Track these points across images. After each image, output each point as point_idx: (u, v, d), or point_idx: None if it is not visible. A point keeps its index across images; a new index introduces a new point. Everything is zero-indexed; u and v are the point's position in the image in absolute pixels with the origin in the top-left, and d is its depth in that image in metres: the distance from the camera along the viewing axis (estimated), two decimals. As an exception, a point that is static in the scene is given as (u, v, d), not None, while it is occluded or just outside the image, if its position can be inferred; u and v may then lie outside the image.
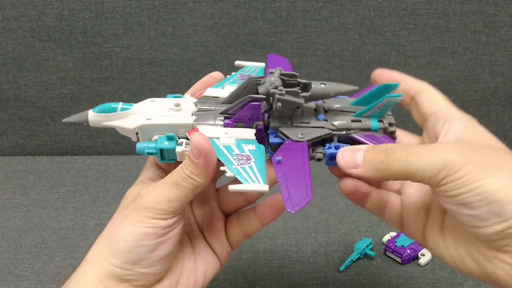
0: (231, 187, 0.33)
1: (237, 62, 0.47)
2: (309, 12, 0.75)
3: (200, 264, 0.40)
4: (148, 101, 0.40)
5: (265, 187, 0.33)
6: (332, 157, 0.38)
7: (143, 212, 0.35)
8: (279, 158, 0.36)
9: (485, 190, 0.31)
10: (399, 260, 0.57)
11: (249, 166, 0.35)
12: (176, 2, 0.73)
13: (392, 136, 0.41)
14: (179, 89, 0.80)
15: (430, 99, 0.40)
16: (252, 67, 0.47)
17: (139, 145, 0.38)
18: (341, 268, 0.57)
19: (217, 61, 0.78)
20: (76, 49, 0.76)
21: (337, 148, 0.38)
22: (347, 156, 0.36)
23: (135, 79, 0.79)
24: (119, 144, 0.85)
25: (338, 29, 0.76)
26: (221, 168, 0.35)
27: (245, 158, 0.35)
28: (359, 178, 0.37)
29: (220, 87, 0.43)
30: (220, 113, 0.39)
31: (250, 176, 0.34)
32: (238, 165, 0.35)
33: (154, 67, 0.78)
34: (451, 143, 0.35)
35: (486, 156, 0.33)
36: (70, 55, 0.77)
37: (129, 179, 0.76)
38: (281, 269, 0.58)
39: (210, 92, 0.42)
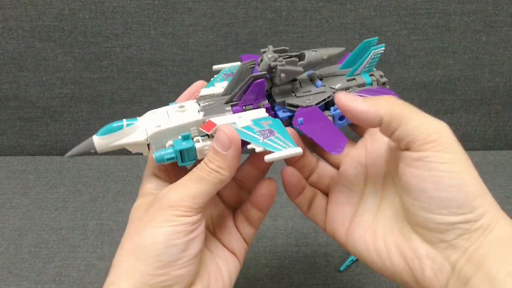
0: (268, 157, 0.33)
1: (215, 66, 0.48)
2: (309, 11, 0.75)
3: (223, 266, 0.39)
4: (150, 112, 0.39)
5: (299, 149, 0.33)
6: (341, 117, 0.40)
7: (168, 211, 0.33)
8: (301, 119, 0.38)
9: (462, 178, 0.31)
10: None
11: (275, 137, 0.35)
12: (176, 2, 0.73)
13: (384, 87, 0.44)
14: (179, 89, 0.80)
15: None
16: (231, 67, 0.47)
17: (156, 154, 0.36)
18: (342, 268, 0.57)
19: (217, 61, 0.78)
20: (76, 49, 0.76)
21: None
22: (348, 95, 0.36)
23: (135, 79, 0.79)
24: (119, 144, 0.85)
25: (338, 29, 0.76)
26: (249, 146, 0.35)
27: (267, 131, 0.36)
28: (351, 115, 0.35)
29: (211, 86, 0.43)
30: (225, 103, 0.39)
31: (280, 144, 0.34)
32: (264, 139, 0.35)
33: (154, 66, 0.78)
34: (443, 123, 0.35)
35: (464, 151, 0.33)
36: (70, 55, 0.77)
37: (129, 179, 0.76)
38: (281, 269, 0.58)
39: (204, 92, 0.42)
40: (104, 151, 0.37)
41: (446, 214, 0.31)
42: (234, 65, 0.48)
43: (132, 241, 0.34)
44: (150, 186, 0.39)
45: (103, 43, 0.76)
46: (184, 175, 0.36)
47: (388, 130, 0.34)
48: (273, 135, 0.35)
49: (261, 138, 0.35)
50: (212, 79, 0.46)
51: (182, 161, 0.36)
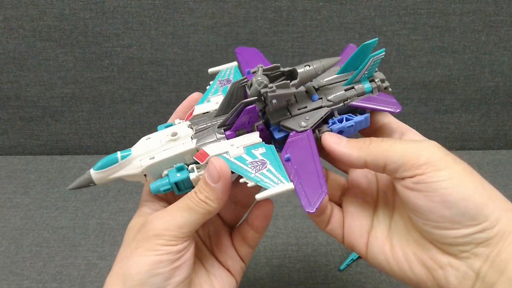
0: (258, 196, 0.33)
1: (210, 70, 0.47)
2: (309, 11, 0.75)
3: (218, 285, 0.39)
4: (143, 140, 0.39)
5: (290, 185, 0.33)
6: (340, 131, 0.38)
7: (153, 240, 0.34)
8: (288, 156, 0.36)
9: (466, 190, 0.31)
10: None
11: (267, 170, 0.34)
12: (177, 1, 0.74)
13: (387, 92, 0.41)
14: (180, 88, 0.80)
15: (382, 114, 0.40)
16: (226, 70, 0.47)
17: (152, 186, 0.37)
18: (342, 267, 0.57)
19: (217, 61, 0.78)
20: (77, 49, 0.76)
21: (340, 121, 0.38)
22: (333, 136, 0.37)
23: (135, 79, 0.79)
24: (119, 144, 0.85)
25: (338, 29, 0.77)
26: (241, 180, 0.34)
27: (260, 163, 0.35)
28: (336, 157, 0.37)
29: (206, 100, 0.43)
30: (218, 127, 0.39)
31: (271, 179, 0.34)
32: (256, 172, 0.34)
33: (154, 66, 0.78)
34: (429, 140, 0.35)
35: (459, 160, 0.33)
36: (71, 55, 0.77)
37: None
38: (281, 268, 0.58)
39: (198, 109, 0.41)
40: (103, 184, 0.37)
41: (461, 228, 0.31)
42: (229, 67, 0.47)
43: (120, 266, 0.35)
44: (146, 204, 0.39)
45: (104, 43, 0.76)
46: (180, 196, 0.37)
47: (378, 168, 0.35)
48: (265, 167, 0.35)
49: (253, 172, 0.34)
50: (207, 87, 0.45)
51: (179, 190, 0.37)
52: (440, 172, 0.31)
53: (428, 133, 0.84)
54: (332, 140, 0.36)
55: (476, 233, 0.31)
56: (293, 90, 0.38)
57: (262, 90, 0.37)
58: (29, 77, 0.78)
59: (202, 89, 0.84)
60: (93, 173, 0.37)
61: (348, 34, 0.77)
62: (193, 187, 0.37)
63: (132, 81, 0.79)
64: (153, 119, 0.83)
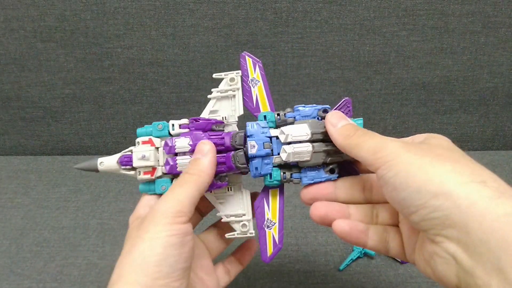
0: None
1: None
2: (309, 12, 0.76)
3: None
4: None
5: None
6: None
7: (161, 219, 0.35)
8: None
9: (408, 173, 0.32)
10: (399, 259, 0.58)
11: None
12: (177, 3, 0.74)
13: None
14: (180, 89, 0.81)
15: None
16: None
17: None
18: (341, 267, 0.57)
19: (217, 62, 0.78)
20: (78, 50, 0.77)
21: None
22: (335, 116, 0.39)
23: (136, 80, 0.79)
24: (120, 144, 0.85)
25: (338, 30, 0.77)
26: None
27: None
28: (328, 131, 0.39)
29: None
30: None
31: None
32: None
33: (155, 67, 0.78)
34: (403, 140, 0.38)
35: (425, 148, 0.34)
36: (72, 56, 0.77)
37: (130, 179, 0.76)
38: (281, 268, 0.58)
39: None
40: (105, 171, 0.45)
41: (419, 209, 0.31)
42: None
43: (130, 257, 0.35)
44: (143, 212, 0.41)
45: (105, 43, 0.76)
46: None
47: (351, 155, 0.38)
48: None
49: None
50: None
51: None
52: (387, 163, 0.33)
53: (427, 134, 0.85)
54: (331, 121, 0.39)
55: (430, 212, 0.31)
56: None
57: None
58: (30, 77, 0.79)
59: (202, 89, 0.84)
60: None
61: (347, 35, 0.77)
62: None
63: (132, 82, 0.80)
64: (154, 119, 0.82)
